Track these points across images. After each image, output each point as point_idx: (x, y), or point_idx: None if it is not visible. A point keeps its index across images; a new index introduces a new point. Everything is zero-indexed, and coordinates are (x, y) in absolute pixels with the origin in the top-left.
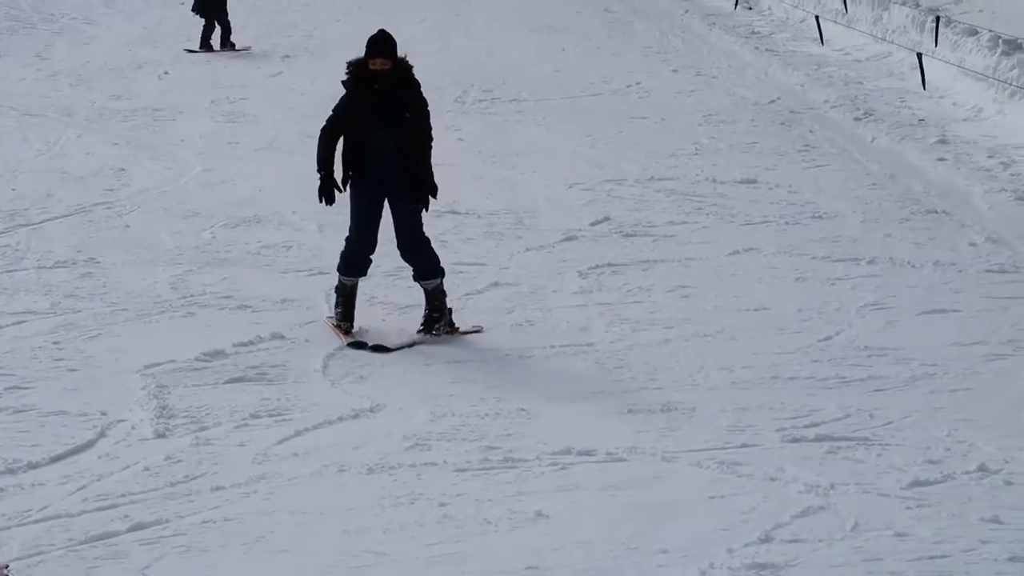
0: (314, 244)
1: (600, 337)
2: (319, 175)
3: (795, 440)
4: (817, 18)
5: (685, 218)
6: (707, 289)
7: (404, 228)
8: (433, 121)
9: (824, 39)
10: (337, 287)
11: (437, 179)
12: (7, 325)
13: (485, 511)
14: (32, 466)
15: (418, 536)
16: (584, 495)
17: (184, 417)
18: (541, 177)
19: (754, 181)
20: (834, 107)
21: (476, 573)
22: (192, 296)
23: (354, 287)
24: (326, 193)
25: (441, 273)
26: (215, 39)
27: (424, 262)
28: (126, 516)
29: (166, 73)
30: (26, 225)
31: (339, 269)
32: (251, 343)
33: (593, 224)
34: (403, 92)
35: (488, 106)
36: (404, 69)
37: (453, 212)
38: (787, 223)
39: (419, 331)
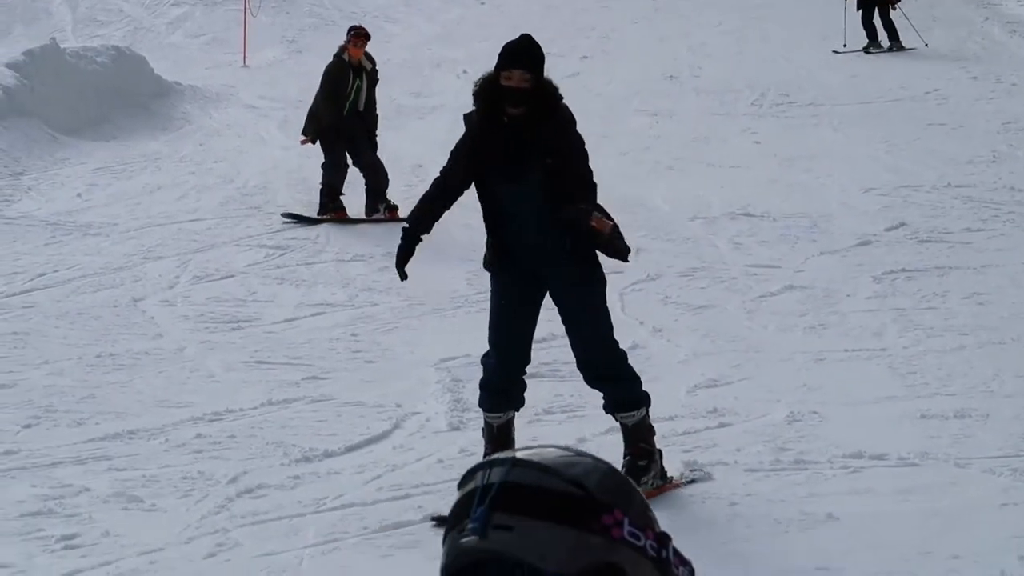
0: None
1: (893, 342)
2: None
3: None
4: None
5: (982, 225)
6: (1003, 296)
7: (577, 332)
8: (728, 124)
9: None
10: (483, 429)
11: (726, 183)
12: (306, 316)
13: (776, 512)
14: (328, 455)
15: (708, 535)
16: (876, 499)
17: (478, 411)
18: (836, 181)
19: None
20: None
21: (766, 573)
22: (487, 292)
23: (505, 427)
24: (399, 260)
25: (646, 400)
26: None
27: (617, 385)
28: (419, 507)
29: (465, 72)
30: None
31: (480, 404)
32: (544, 339)
33: (888, 229)
34: (543, 129)
35: (785, 110)
36: (549, 94)
37: (748, 215)
38: None
39: None
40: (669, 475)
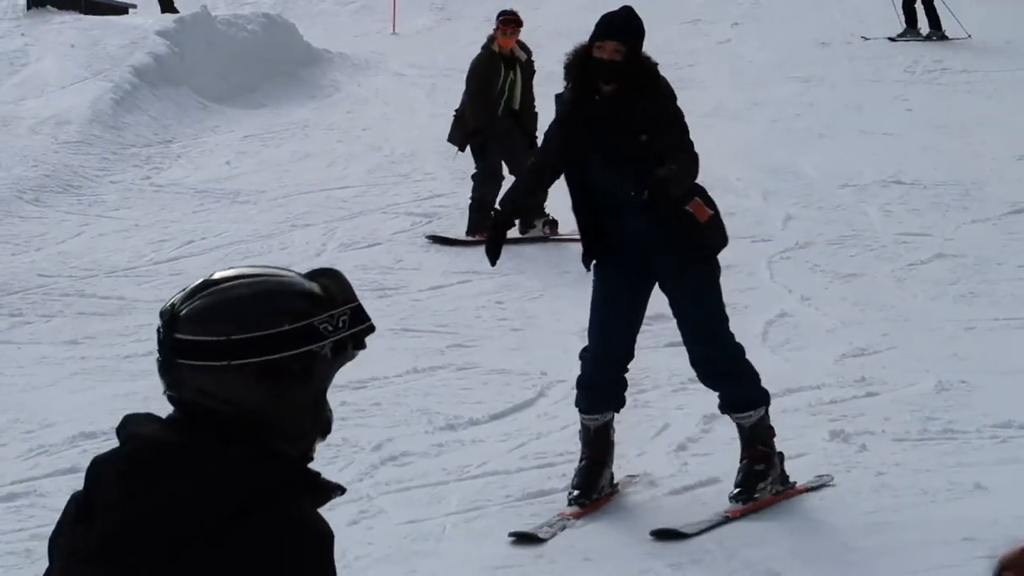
0: (757, 211)
1: None
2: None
3: None
4: None
5: None
6: None
7: (688, 324)
8: (881, 91)
9: None
10: (580, 431)
11: (878, 151)
12: (452, 284)
13: (923, 482)
14: (473, 423)
15: (854, 504)
16: None
17: None
18: (989, 149)
19: None
20: None
21: (913, 542)
22: None
23: (603, 430)
24: (489, 247)
25: (764, 399)
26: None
27: (733, 383)
28: (564, 475)
29: None
30: None
31: (576, 403)
32: None
33: None
34: (637, 105)
35: (937, 77)
36: (645, 70)
37: (899, 182)
38: None
39: (732, 495)
40: (792, 480)
